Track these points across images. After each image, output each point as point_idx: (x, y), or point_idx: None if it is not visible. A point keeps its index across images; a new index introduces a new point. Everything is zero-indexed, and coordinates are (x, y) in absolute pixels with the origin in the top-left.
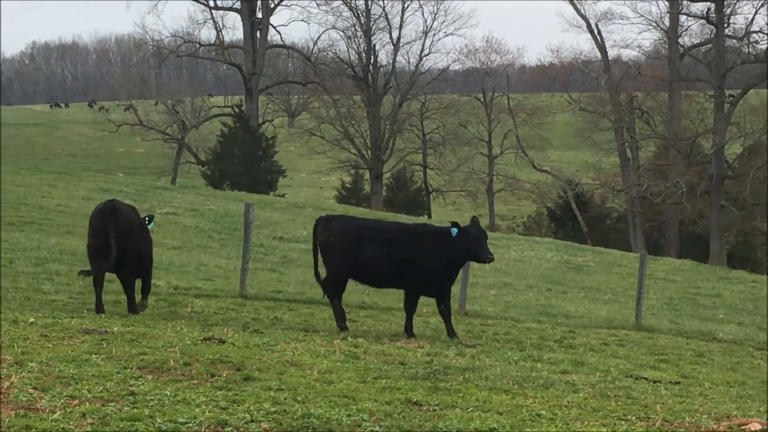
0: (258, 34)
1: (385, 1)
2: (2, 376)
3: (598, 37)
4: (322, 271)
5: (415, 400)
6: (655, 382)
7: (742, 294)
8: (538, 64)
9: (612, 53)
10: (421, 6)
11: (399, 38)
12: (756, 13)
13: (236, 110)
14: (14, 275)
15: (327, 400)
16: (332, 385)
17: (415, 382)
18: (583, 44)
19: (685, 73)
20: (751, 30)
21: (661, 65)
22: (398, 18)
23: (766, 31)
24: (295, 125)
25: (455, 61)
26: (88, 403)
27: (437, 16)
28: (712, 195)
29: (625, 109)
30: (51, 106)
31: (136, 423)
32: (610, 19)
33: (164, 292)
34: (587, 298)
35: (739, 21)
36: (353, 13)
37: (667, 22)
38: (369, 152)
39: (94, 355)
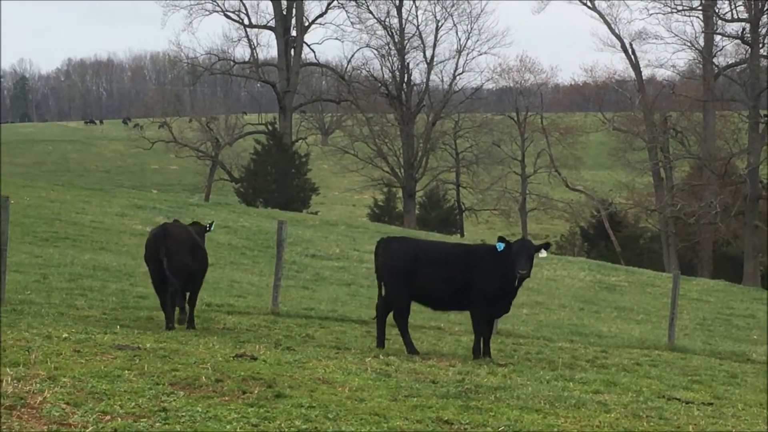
0: (292, 52)
1: (419, 20)
2: (35, 391)
3: (632, 56)
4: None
5: (446, 418)
6: (687, 403)
7: None
8: (572, 83)
9: (646, 73)
10: (455, 25)
11: (433, 57)
12: None
13: (270, 128)
14: (48, 291)
15: (358, 417)
16: (363, 403)
17: (446, 400)
18: (617, 64)
19: (719, 93)
20: None
21: (695, 85)
22: (432, 37)
23: None
24: (329, 143)
25: (489, 80)
26: (120, 419)
27: (471, 35)
28: (747, 215)
29: (659, 128)
30: (86, 122)
31: None
32: (644, 39)
33: (197, 308)
34: (620, 318)
35: None
36: (387, 31)
37: (701, 41)
38: (402, 170)
39: (126, 371)
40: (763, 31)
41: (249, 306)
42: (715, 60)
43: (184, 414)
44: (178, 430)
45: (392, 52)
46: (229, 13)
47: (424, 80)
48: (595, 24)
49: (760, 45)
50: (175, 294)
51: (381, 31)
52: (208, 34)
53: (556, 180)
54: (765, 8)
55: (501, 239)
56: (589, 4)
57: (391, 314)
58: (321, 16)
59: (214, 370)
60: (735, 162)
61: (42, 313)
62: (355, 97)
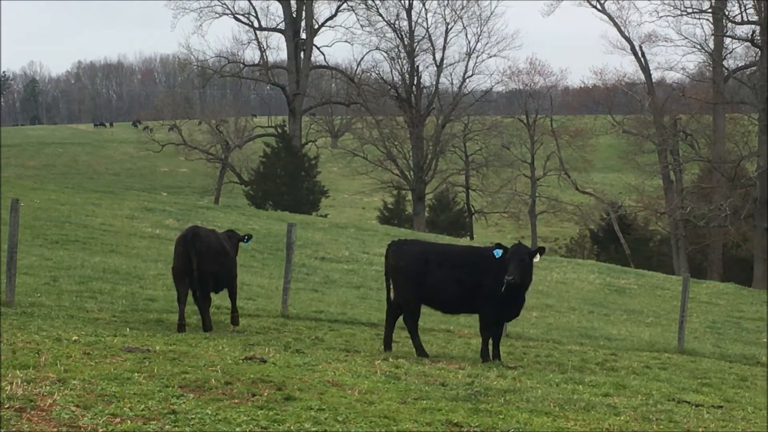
0: (302, 55)
1: (429, 23)
2: (45, 394)
3: (642, 59)
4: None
5: (455, 421)
6: (697, 405)
7: None
8: (582, 86)
9: (656, 75)
10: (464, 27)
11: (442, 59)
12: None
13: (279, 130)
14: (58, 293)
15: (368, 420)
16: (373, 405)
17: (455, 403)
18: (626, 66)
19: (729, 96)
20: None
21: (705, 88)
22: (442, 39)
23: None
24: (338, 146)
25: (498, 83)
26: (129, 422)
27: (481, 37)
28: (756, 218)
29: (669, 131)
30: (96, 125)
31: None
32: (654, 42)
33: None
34: (629, 321)
35: None
36: (397, 34)
37: (711, 44)
38: (411, 173)
39: (136, 374)
40: None
41: (258, 308)
42: (725, 62)
43: (193, 416)
44: None
45: (402, 55)
46: (238, 16)
47: (434, 83)
48: (604, 26)
49: None
50: (203, 295)
51: (390, 34)
52: (218, 37)
53: (565, 183)
54: None
55: (499, 246)
56: (598, 6)
57: (401, 317)
58: (331, 18)
59: (223, 373)
60: (745, 165)
61: (52, 315)
62: (364, 100)
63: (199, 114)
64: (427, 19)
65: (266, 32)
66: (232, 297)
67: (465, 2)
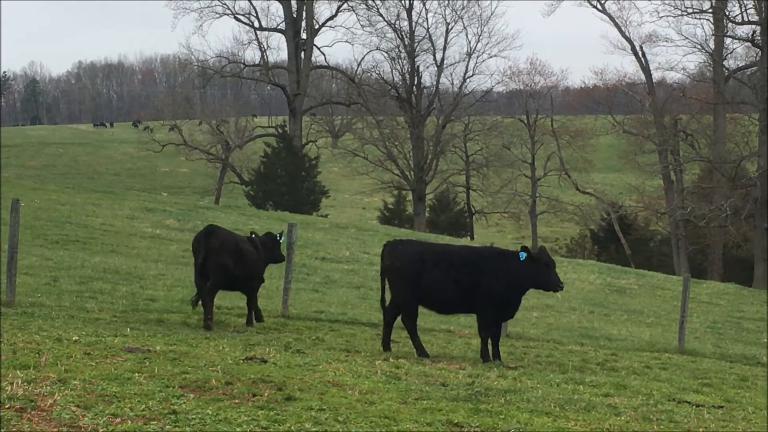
0: (302, 55)
1: (429, 23)
2: (45, 394)
3: (642, 59)
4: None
5: (456, 421)
6: (698, 406)
7: None
8: (582, 86)
9: (656, 75)
10: (465, 27)
11: (443, 60)
12: None
13: (280, 130)
14: (58, 293)
15: (368, 420)
16: (373, 405)
17: (456, 403)
18: (627, 66)
19: (730, 96)
20: None
21: (705, 88)
22: (442, 40)
23: None
24: (339, 146)
25: (499, 83)
26: (130, 422)
27: (481, 37)
28: (757, 218)
29: (670, 131)
30: (96, 125)
31: None
32: (654, 42)
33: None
34: (630, 321)
35: None
36: (397, 34)
37: (712, 44)
38: (412, 173)
39: (136, 374)
40: None
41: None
42: (725, 63)
43: (194, 416)
44: None
45: (402, 55)
46: (239, 16)
47: (434, 83)
48: (605, 26)
49: None
50: (209, 290)
51: (391, 34)
52: (219, 37)
53: (566, 183)
54: None
55: (524, 249)
56: (599, 6)
57: (398, 317)
58: (331, 18)
59: (224, 373)
60: (745, 165)
61: (52, 315)
62: (365, 100)
63: (200, 114)
64: (427, 19)
65: (267, 32)
66: (250, 299)
67: (465, 2)
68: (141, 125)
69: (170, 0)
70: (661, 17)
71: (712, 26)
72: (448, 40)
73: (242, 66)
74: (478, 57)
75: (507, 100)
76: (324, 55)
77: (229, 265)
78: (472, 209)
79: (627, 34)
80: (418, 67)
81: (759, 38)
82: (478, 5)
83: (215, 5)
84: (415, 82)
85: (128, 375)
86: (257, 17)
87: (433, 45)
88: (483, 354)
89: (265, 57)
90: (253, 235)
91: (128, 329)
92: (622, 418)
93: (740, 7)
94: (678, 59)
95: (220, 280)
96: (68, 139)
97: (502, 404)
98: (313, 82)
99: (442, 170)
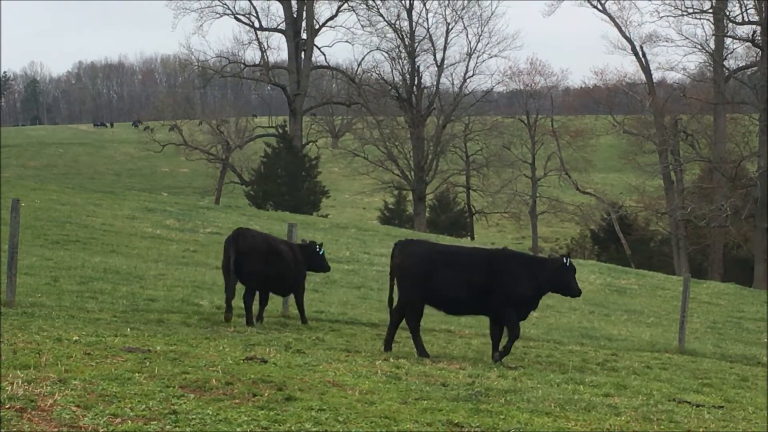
0: (302, 55)
1: (430, 23)
2: (45, 394)
3: (642, 59)
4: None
5: (456, 421)
6: (698, 406)
7: None
8: (582, 86)
9: (657, 75)
10: (465, 28)
11: (443, 60)
12: None
13: (280, 131)
14: (58, 293)
15: (368, 420)
16: (374, 405)
17: (456, 403)
18: (627, 66)
19: (730, 96)
20: None
21: (706, 88)
22: (442, 40)
23: None
24: (339, 146)
25: (499, 83)
26: (130, 422)
27: (481, 38)
28: (757, 218)
29: (670, 131)
30: (96, 125)
31: None
32: (654, 42)
33: (207, 311)
34: (630, 321)
35: None
36: (397, 34)
37: (712, 44)
38: (412, 173)
39: (136, 374)
40: None
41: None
42: (725, 63)
43: (194, 417)
44: None
45: (402, 55)
46: (239, 16)
47: (435, 83)
48: (605, 27)
49: None
50: (245, 297)
51: (391, 34)
52: (219, 37)
53: (566, 183)
54: None
55: (568, 255)
56: (599, 6)
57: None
58: (331, 18)
59: (224, 373)
60: (745, 165)
61: (52, 315)
62: (365, 100)
63: (200, 114)
64: (427, 19)
65: (267, 32)
66: (297, 301)
67: (466, 2)
68: (141, 125)
69: (170, 0)
70: (662, 17)
71: (712, 26)
72: (449, 40)
73: (242, 66)
74: (478, 57)
75: (507, 100)
76: (324, 55)
77: (260, 269)
78: (473, 209)
79: (627, 34)
80: (418, 67)
81: (759, 38)
82: (479, 5)
83: (215, 5)
84: (416, 82)
85: (128, 375)
86: (257, 17)
87: (433, 45)
88: (508, 350)
89: (266, 57)
90: (303, 241)
91: (128, 329)
92: (623, 418)
93: (740, 7)
94: (678, 59)
95: (253, 285)
96: (68, 139)
97: (502, 404)
98: (313, 82)
99: (443, 170)
